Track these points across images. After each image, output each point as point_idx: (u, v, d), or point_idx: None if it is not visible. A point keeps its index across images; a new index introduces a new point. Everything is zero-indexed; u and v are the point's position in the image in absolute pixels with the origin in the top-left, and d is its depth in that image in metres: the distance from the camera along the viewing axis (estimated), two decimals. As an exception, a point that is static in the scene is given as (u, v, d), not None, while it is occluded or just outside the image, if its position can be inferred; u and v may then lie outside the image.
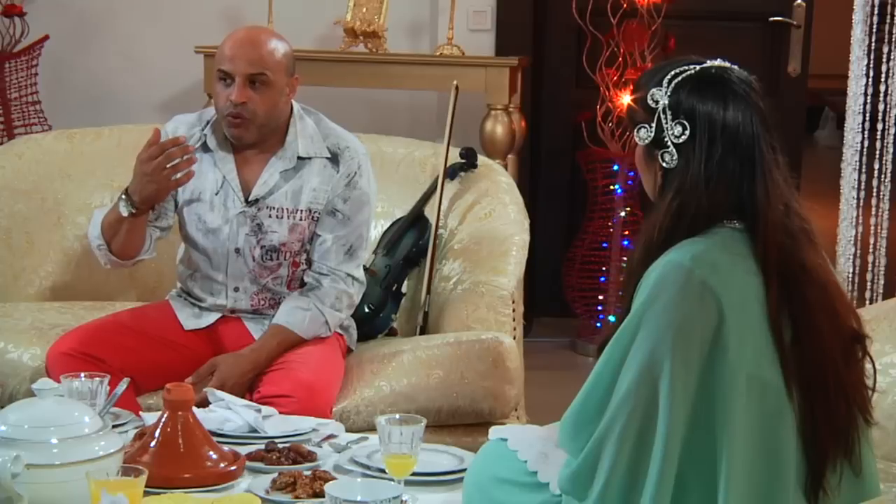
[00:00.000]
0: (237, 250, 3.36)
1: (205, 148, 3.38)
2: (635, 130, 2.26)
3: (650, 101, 2.24)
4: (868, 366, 2.27)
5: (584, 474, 2.18)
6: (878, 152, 4.17)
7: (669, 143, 2.22)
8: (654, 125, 2.23)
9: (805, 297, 2.18)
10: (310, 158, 3.36)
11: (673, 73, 2.24)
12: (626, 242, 5.58)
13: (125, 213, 3.23)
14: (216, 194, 3.36)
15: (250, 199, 3.35)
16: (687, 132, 2.21)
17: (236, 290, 3.39)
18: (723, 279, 2.15)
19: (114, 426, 2.65)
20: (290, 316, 3.31)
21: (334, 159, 3.38)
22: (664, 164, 2.23)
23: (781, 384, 2.16)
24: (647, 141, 2.25)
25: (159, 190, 3.21)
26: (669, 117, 2.22)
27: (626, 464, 2.14)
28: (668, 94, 2.22)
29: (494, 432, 2.51)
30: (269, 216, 3.35)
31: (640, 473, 2.13)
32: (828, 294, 2.21)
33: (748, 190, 2.20)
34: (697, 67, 2.25)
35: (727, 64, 2.28)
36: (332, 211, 3.37)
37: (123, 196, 3.23)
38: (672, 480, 2.12)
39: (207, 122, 3.40)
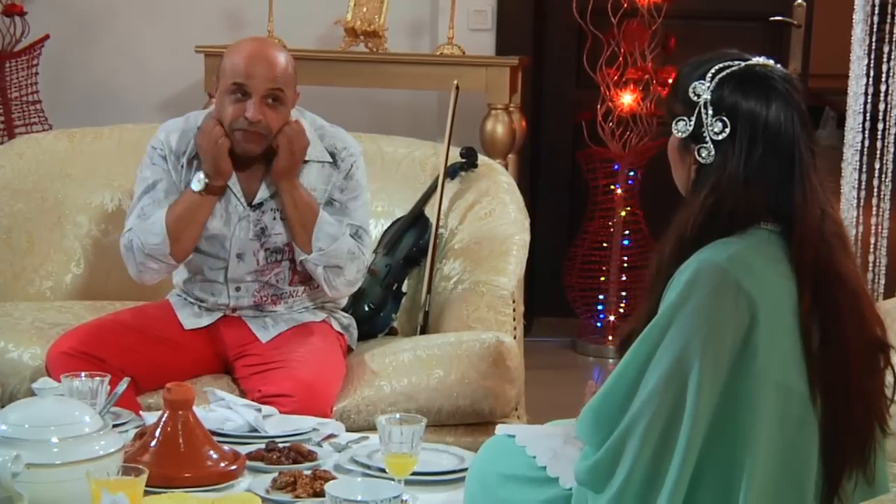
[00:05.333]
0: (239, 255, 3.36)
1: (197, 157, 3.37)
2: (673, 122, 2.23)
3: (692, 94, 2.21)
4: (888, 375, 2.25)
5: (604, 467, 2.16)
6: (878, 152, 4.17)
7: (708, 138, 2.20)
8: (693, 119, 2.21)
9: (837, 304, 2.16)
10: (309, 161, 3.36)
11: (717, 67, 2.21)
12: (626, 242, 5.58)
13: (199, 187, 3.27)
14: (217, 201, 3.35)
15: (254, 202, 3.35)
16: (727, 130, 2.18)
17: (238, 289, 3.39)
18: (757, 282, 2.13)
19: (114, 426, 2.65)
20: (328, 217, 3.32)
21: (333, 161, 3.39)
22: (700, 160, 2.21)
23: (806, 391, 2.14)
24: (684, 134, 2.23)
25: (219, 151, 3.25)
26: (711, 112, 2.19)
27: (649, 460, 2.13)
28: (712, 88, 2.20)
29: (501, 429, 2.49)
30: (273, 218, 3.35)
31: (661, 470, 2.12)
32: (858, 301, 2.19)
33: (786, 191, 2.17)
34: (742, 64, 2.22)
35: (770, 62, 2.25)
36: (330, 201, 3.38)
37: (200, 175, 3.28)
38: (688, 479, 2.11)
39: (198, 129, 3.39)
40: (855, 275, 2.22)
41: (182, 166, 3.38)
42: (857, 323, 2.18)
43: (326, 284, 3.36)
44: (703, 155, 2.21)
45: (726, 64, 2.22)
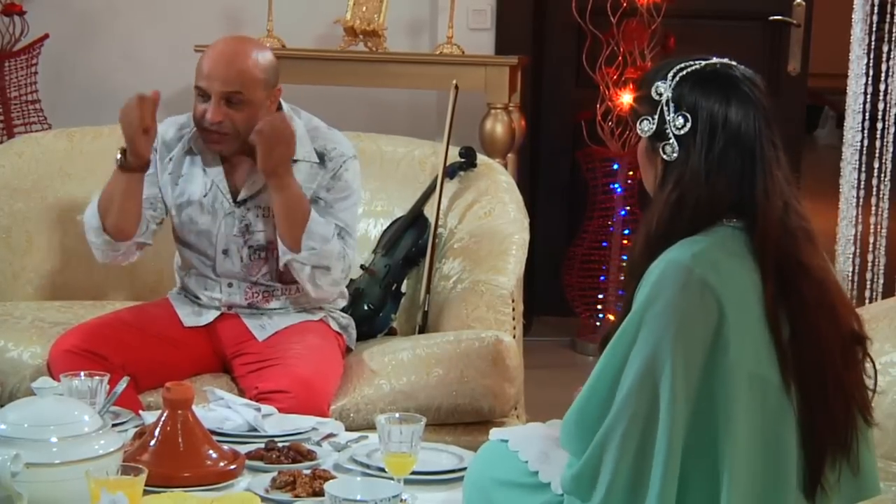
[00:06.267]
0: (225, 251, 3.37)
1: (190, 152, 3.39)
2: (638, 123, 2.27)
3: (654, 94, 2.25)
4: (868, 367, 2.27)
5: (587, 475, 2.18)
6: (877, 151, 4.16)
7: (671, 134, 2.23)
8: (656, 117, 2.24)
9: (802, 295, 2.18)
10: (297, 161, 3.36)
11: (677, 67, 2.25)
12: (625, 241, 5.58)
13: (117, 161, 3.30)
14: (205, 196, 3.37)
15: (238, 199, 3.36)
16: (688, 124, 2.21)
17: (230, 285, 3.40)
18: (723, 278, 2.15)
19: (113, 425, 2.66)
20: (318, 217, 3.30)
21: (321, 161, 3.39)
22: (665, 157, 2.24)
23: (780, 382, 2.16)
24: (649, 133, 2.26)
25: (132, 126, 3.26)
26: (672, 109, 2.23)
27: (630, 464, 2.14)
28: (672, 87, 2.23)
29: (495, 434, 2.51)
30: (257, 216, 3.35)
31: (644, 474, 2.13)
32: (826, 292, 2.21)
33: (748, 185, 2.20)
34: (702, 63, 2.26)
35: (733, 62, 2.29)
36: (315, 199, 3.37)
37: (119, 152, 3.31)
38: (676, 479, 2.12)
39: (192, 128, 3.41)
40: (821, 268, 2.23)
41: (170, 160, 3.39)
42: (826, 314, 2.20)
43: (311, 284, 3.33)
44: (668, 151, 2.24)
45: (687, 64, 2.26)
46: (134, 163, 3.29)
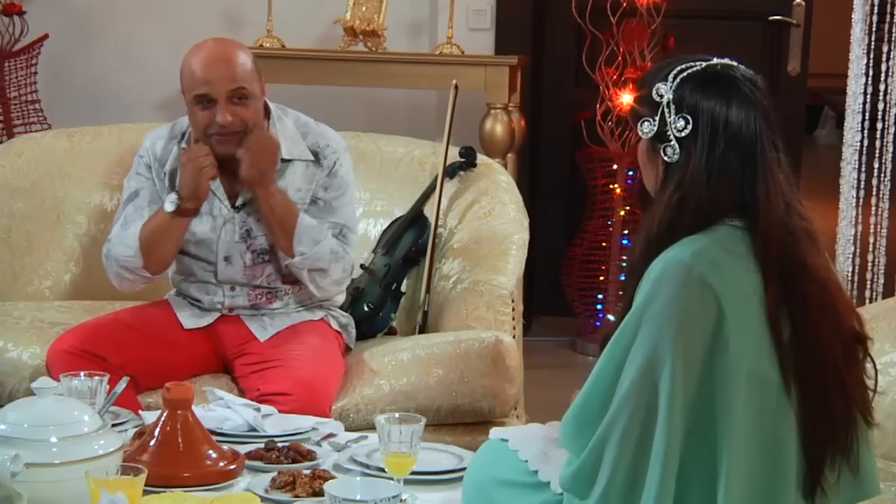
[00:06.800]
0: (226, 258, 3.36)
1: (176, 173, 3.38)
2: (638, 124, 2.27)
3: (655, 96, 2.25)
4: (869, 367, 2.27)
5: (586, 472, 2.18)
6: (877, 151, 4.16)
7: (672, 137, 2.23)
8: (657, 119, 2.24)
9: (804, 295, 2.19)
10: (292, 161, 3.36)
11: (678, 68, 2.25)
12: (625, 241, 5.58)
13: (171, 208, 3.25)
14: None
15: (237, 204, 3.36)
16: (689, 126, 2.21)
17: (232, 289, 3.40)
18: (723, 276, 2.15)
19: (113, 425, 2.66)
20: (308, 220, 3.31)
21: (316, 159, 3.39)
22: (666, 159, 2.24)
23: (780, 381, 2.16)
24: (650, 135, 2.26)
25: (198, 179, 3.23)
26: (673, 111, 2.23)
27: (629, 462, 2.14)
28: (673, 88, 2.23)
29: (495, 433, 2.51)
30: (258, 220, 3.35)
31: (642, 471, 2.13)
32: (828, 293, 2.21)
33: (749, 187, 2.20)
34: (703, 64, 2.26)
35: (733, 62, 2.29)
36: (314, 200, 3.38)
37: (173, 196, 3.26)
38: (674, 477, 2.12)
39: (182, 135, 3.40)
40: (824, 268, 2.24)
41: (165, 174, 3.39)
42: (828, 314, 2.20)
43: (313, 285, 3.35)
44: (669, 153, 2.24)
45: (688, 65, 2.26)
46: (193, 207, 3.29)
